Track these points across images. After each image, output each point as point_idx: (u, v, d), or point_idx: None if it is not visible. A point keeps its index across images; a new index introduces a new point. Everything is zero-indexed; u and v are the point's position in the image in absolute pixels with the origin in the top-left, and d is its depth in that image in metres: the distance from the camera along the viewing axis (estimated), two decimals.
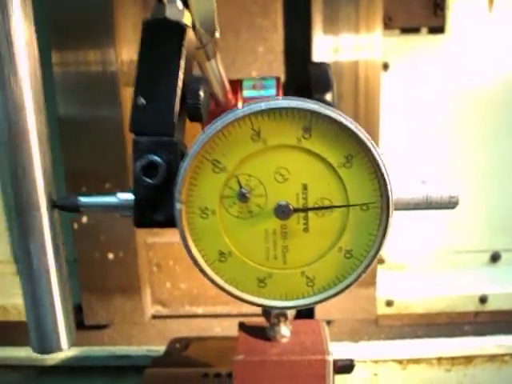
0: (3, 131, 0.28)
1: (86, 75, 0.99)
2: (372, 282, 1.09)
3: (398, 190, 0.26)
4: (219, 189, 0.26)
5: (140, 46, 0.28)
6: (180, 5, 0.29)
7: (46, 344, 0.32)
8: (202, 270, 0.27)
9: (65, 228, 1.01)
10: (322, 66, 0.43)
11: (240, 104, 0.42)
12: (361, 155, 0.25)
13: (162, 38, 0.27)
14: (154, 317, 1.17)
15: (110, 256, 1.08)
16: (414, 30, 1.10)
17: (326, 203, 0.25)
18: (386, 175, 0.25)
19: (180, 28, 0.28)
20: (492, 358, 1.07)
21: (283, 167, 0.25)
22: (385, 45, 1.01)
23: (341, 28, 0.98)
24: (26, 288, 0.31)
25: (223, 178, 0.25)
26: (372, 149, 0.24)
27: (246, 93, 0.42)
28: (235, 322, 1.12)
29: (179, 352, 0.80)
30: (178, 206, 0.26)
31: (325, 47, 0.99)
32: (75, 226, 1.05)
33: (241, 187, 0.25)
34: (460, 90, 1.14)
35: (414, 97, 1.14)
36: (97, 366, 1.08)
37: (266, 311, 0.55)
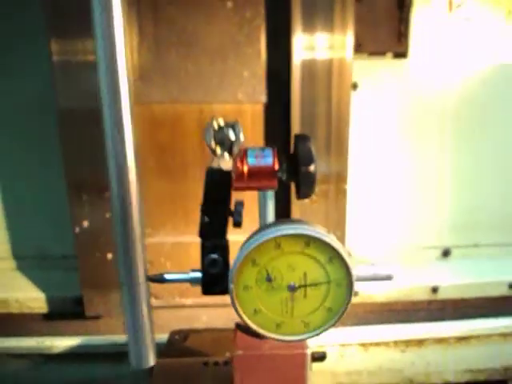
0: (119, 228, 0.44)
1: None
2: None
3: (357, 273, 0.44)
4: (255, 275, 0.44)
5: (204, 184, 0.44)
6: (227, 157, 0.45)
7: (141, 362, 0.49)
8: (243, 320, 0.44)
9: (66, 230, 1.13)
10: (307, 143, 0.58)
11: (246, 169, 0.57)
12: (337, 257, 0.42)
13: (218, 180, 0.43)
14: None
15: (109, 256, 1.20)
16: (381, 55, 1.24)
17: (320, 281, 0.44)
18: (350, 268, 0.43)
19: (228, 174, 0.44)
20: (440, 340, 1.23)
21: (293, 263, 0.43)
22: (354, 67, 1.15)
23: (317, 56, 1.13)
24: (129, 325, 0.48)
25: (257, 269, 0.43)
26: (343, 255, 0.42)
27: (251, 161, 0.57)
28: (219, 311, 1.23)
29: (179, 343, 0.93)
30: (231, 285, 0.43)
31: (301, 71, 1.13)
32: (77, 229, 1.17)
33: (268, 275, 0.42)
34: (420, 105, 1.31)
35: (380, 110, 1.31)
36: (98, 353, 1.18)
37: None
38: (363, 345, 1.20)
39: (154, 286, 1.29)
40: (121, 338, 1.19)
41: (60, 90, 1.09)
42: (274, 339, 0.46)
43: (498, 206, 1.43)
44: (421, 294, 1.36)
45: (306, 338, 0.46)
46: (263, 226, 0.45)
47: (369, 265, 0.47)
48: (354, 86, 1.23)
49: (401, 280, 1.36)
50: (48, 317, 1.30)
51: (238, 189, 0.51)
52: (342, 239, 1.24)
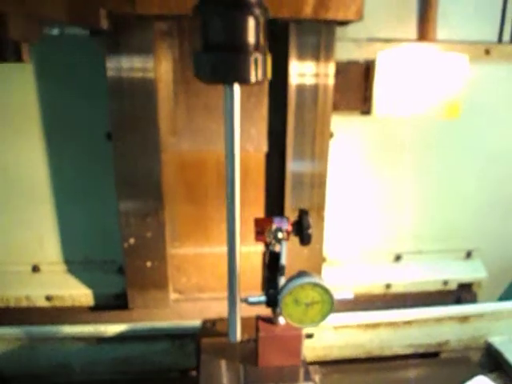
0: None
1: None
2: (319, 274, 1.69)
3: (335, 297, 0.95)
4: (291, 299, 0.93)
5: (267, 257, 0.93)
6: (278, 245, 0.94)
7: (235, 338, 0.98)
8: (285, 319, 0.95)
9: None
10: (307, 216, 1.07)
11: None
12: (327, 292, 0.93)
13: (273, 256, 0.92)
14: (175, 301, 1.68)
15: (148, 264, 1.62)
16: (351, 112, 1.65)
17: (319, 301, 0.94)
18: (333, 296, 0.93)
19: (278, 253, 0.93)
20: (391, 323, 1.56)
21: (307, 294, 0.93)
22: (332, 121, 1.52)
23: (306, 115, 1.56)
24: (230, 320, 0.97)
25: (292, 297, 0.93)
26: (329, 290, 0.92)
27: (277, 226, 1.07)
28: (226, 303, 1.65)
29: (211, 327, 1.31)
30: (280, 304, 0.92)
31: (294, 128, 1.56)
32: (125, 245, 1.58)
33: (296, 299, 0.92)
34: (380, 147, 1.72)
35: (350, 153, 1.72)
36: (143, 335, 1.48)
37: (273, 308, 1.21)
38: (335, 327, 1.54)
39: (179, 284, 1.77)
40: (157, 324, 1.50)
41: (115, 110, 1.41)
42: (298, 327, 0.96)
43: (437, 222, 1.84)
44: (378, 289, 1.79)
45: (313, 326, 0.97)
46: (294, 276, 0.95)
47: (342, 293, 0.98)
48: (331, 135, 1.60)
49: (363, 278, 1.79)
50: (94, 309, 1.67)
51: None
52: (320, 249, 1.74)
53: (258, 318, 1.20)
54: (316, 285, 0.96)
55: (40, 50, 1.47)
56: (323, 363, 1.53)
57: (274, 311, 1.15)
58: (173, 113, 1.52)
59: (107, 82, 1.37)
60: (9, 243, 1.70)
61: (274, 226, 0.97)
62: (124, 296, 1.67)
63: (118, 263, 1.74)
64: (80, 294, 1.68)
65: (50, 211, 1.68)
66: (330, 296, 0.96)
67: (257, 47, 0.76)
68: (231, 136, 0.81)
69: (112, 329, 1.50)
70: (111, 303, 1.68)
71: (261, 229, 1.00)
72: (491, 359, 1.66)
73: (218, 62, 0.76)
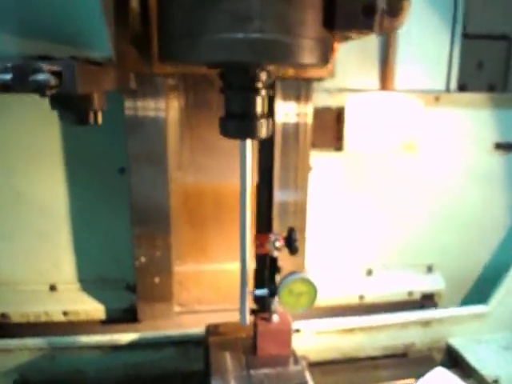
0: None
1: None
2: None
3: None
4: (287, 291, 1.36)
5: (268, 261, 1.37)
6: (275, 251, 1.37)
7: (244, 322, 1.40)
8: (283, 306, 1.38)
9: (126, 265, 2.08)
10: (294, 232, 1.52)
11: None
12: (312, 284, 1.37)
13: (273, 260, 1.37)
14: (178, 313, 1.96)
15: (156, 280, 1.95)
16: (327, 149, 2.03)
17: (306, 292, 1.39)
18: (316, 287, 1.37)
19: (276, 258, 1.37)
20: (364, 328, 1.87)
21: (298, 286, 1.37)
22: (311, 156, 1.87)
23: (289, 152, 2.01)
24: (242, 311, 1.40)
25: (287, 289, 1.36)
26: (314, 283, 1.37)
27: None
28: (225, 314, 1.95)
29: (215, 330, 1.58)
30: (279, 294, 1.35)
31: (280, 163, 2.03)
32: (137, 263, 1.93)
33: (290, 290, 1.35)
34: (351, 178, 2.09)
35: (326, 183, 2.07)
36: (150, 343, 1.73)
37: (269, 308, 1.62)
38: (317, 332, 1.84)
39: (180, 298, 2.13)
40: (164, 332, 1.76)
41: (131, 143, 1.72)
42: (291, 312, 1.40)
43: (402, 241, 2.19)
44: (352, 299, 2.12)
45: (302, 311, 1.41)
46: (288, 274, 1.39)
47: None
48: (310, 169, 1.93)
49: (339, 291, 2.11)
50: (106, 322, 1.95)
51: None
52: (303, 265, 2.14)
53: (257, 317, 1.62)
54: (304, 279, 1.39)
55: None
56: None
57: (269, 310, 1.58)
58: (179, 152, 1.87)
59: (125, 121, 1.68)
60: (28, 265, 1.96)
61: (272, 238, 1.40)
62: (132, 310, 1.95)
63: (127, 281, 2.03)
64: (93, 309, 1.95)
65: (65, 236, 1.96)
66: (314, 288, 1.40)
67: (262, 114, 1.21)
68: (244, 174, 1.26)
69: (123, 338, 1.76)
70: (120, 317, 1.96)
71: (260, 243, 1.44)
72: (451, 358, 1.99)
73: (236, 126, 1.20)
